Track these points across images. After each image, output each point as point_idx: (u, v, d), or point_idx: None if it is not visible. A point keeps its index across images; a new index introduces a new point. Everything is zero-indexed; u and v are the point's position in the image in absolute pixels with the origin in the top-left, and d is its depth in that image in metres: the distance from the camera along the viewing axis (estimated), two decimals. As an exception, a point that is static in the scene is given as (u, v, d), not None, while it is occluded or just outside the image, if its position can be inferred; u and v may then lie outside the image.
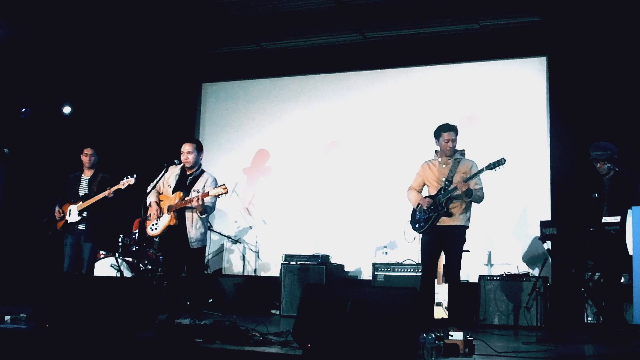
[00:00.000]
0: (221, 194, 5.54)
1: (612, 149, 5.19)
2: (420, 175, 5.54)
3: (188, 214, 5.64)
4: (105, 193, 6.12)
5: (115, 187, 6.09)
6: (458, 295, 5.28)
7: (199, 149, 5.78)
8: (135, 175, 6.07)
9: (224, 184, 5.55)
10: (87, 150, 6.39)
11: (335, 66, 8.06)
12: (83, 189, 6.34)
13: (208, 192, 5.56)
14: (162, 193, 5.80)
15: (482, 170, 5.23)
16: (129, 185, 6.07)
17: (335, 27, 7.61)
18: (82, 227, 6.22)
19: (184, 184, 5.74)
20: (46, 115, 7.45)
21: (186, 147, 5.71)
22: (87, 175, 6.41)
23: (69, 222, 6.22)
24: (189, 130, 8.50)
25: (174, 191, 5.71)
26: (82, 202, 6.21)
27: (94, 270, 6.45)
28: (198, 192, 5.64)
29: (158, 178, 5.77)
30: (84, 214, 6.21)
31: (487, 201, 5.45)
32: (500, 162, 5.15)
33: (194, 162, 5.72)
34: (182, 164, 5.75)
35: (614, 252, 4.89)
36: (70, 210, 6.24)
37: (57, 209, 6.29)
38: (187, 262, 5.80)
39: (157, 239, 6.02)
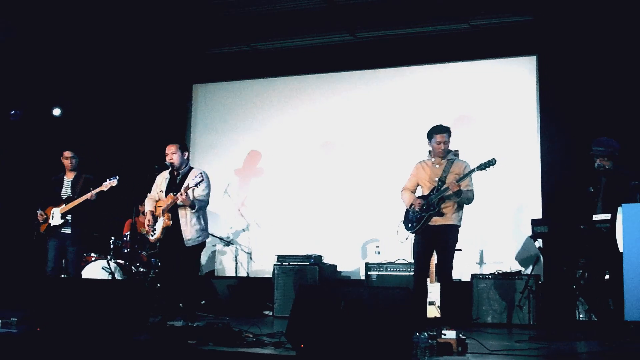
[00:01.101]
0: (199, 183, 5.49)
1: (613, 146, 5.07)
2: (414, 175, 5.55)
3: (181, 212, 5.64)
4: (87, 196, 5.90)
5: (98, 190, 5.89)
6: (450, 294, 5.29)
7: (183, 149, 5.82)
8: (117, 177, 5.89)
9: (201, 172, 5.58)
10: (67, 154, 6.13)
11: (327, 66, 8.05)
12: (66, 191, 6.11)
13: (188, 184, 5.56)
14: (158, 200, 5.82)
15: (472, 171, 5.24)
16: (112, 187, 5.89)
17: (326, 27, 7.61)
18: (66, 230, 6.00)
19: (175, 185, 5.75)
20: (36, 117, 7.40)
21: (170, 149, 5.75)
22: (69, 177, 6.17)
23: (52, 225, 6.00)
24: (180, 131, 8.46)
25: (166, 194, 5.71)
26: (65, 205, 5.99)
27: (84, 273, 6.40)
28: None
29: (154, 186, 5.81)
30: (68, 217, 6.00)
31: (479, 200, 5.45)
32: (490, 163, 5.16)
33: (179, 162, 5.75)
34: (169, 168, 5.76)
35: (605, 250, 4.91)
36: (53, 213, 6.02)
37: (39, 212, 6.07)
38: (181, 262, 5.77)
39: (158, 244, 5.96)
